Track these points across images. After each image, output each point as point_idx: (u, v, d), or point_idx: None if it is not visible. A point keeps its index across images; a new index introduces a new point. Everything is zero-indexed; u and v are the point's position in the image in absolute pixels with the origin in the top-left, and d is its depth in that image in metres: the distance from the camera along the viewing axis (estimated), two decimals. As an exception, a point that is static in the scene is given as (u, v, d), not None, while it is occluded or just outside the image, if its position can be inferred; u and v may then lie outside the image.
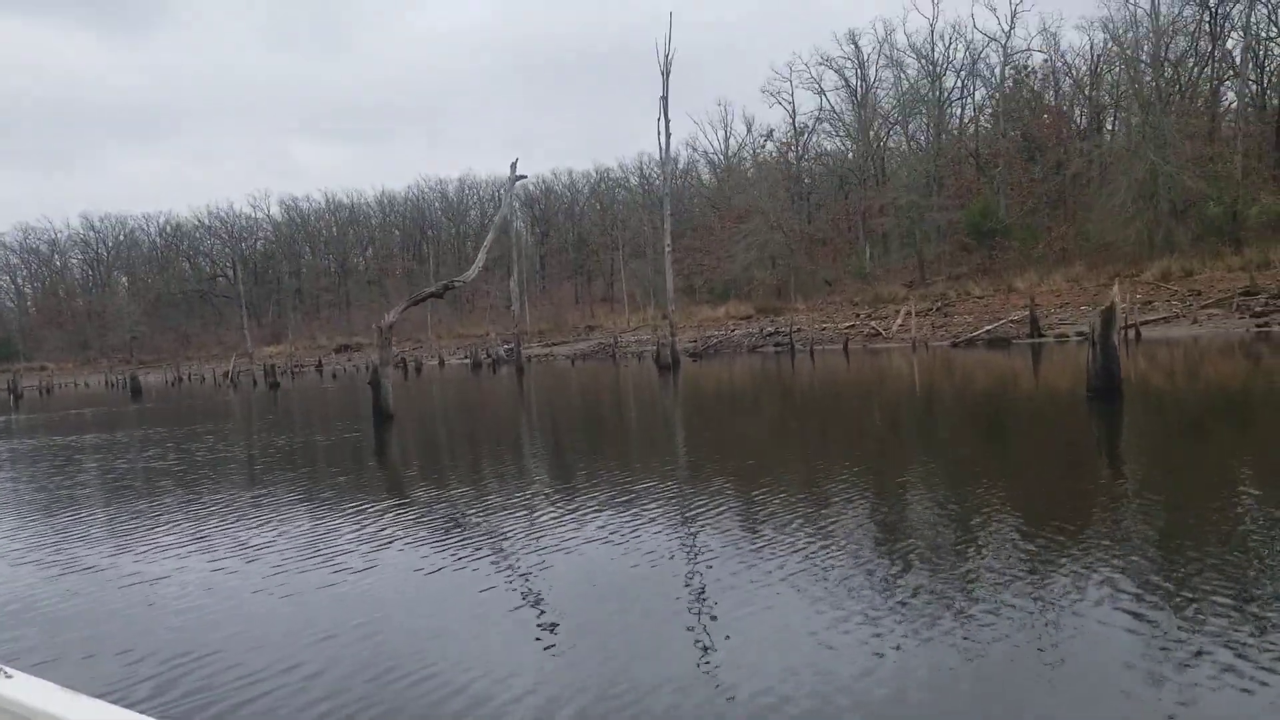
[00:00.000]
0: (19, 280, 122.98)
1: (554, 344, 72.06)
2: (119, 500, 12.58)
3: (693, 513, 8.91)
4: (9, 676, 2.30)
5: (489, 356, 64.16)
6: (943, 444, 13.59)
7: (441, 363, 70.68)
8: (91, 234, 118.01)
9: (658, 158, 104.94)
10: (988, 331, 38.89)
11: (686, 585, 6.35)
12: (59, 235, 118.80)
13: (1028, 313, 38.50)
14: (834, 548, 7.16)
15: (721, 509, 9.04)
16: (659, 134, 38.37)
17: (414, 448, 17.36)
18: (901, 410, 18.85)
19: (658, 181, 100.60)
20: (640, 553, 7.34)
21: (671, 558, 7.15)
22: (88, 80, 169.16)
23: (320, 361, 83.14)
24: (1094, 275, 46.08)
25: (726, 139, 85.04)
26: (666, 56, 37.27)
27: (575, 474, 12.54)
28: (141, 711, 2.16)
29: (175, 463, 16.57)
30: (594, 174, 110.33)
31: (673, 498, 9.80)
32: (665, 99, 38.25)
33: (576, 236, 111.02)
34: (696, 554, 7.21)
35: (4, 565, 8.71)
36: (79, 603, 7.20)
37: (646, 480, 11.11)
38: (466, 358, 74.56)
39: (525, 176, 27.57)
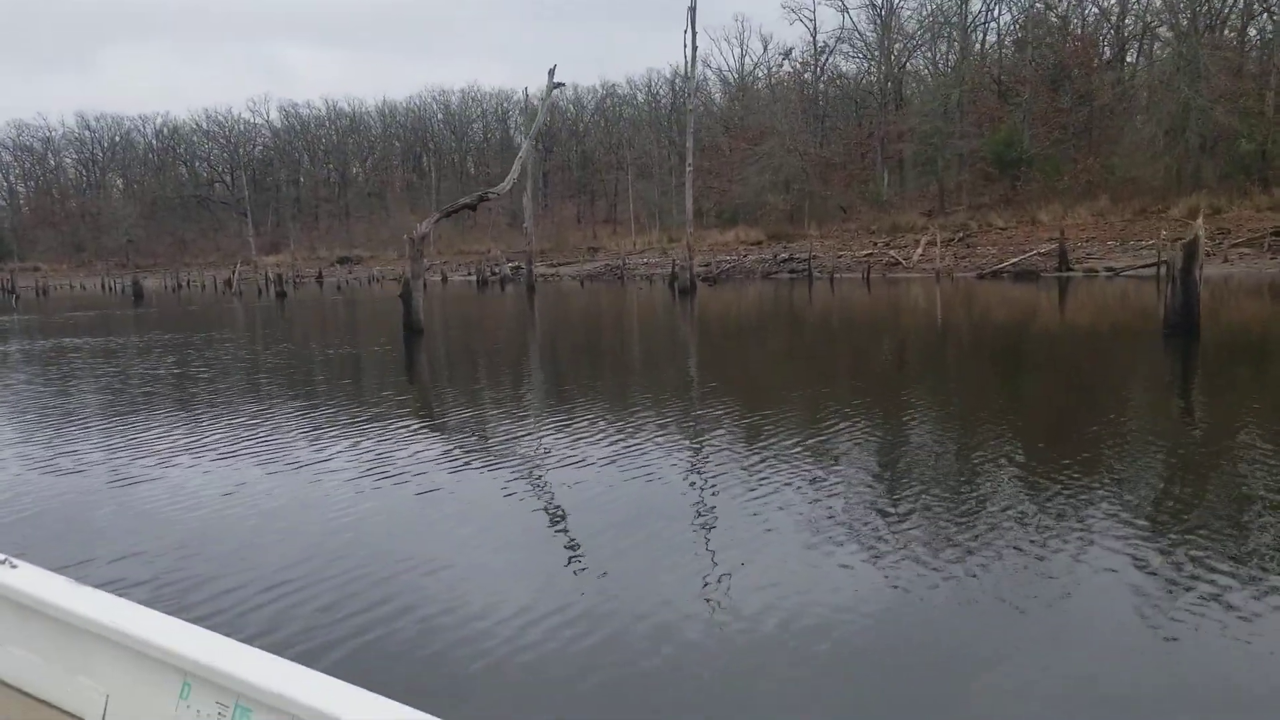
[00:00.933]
0: (11, 178, 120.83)
1: (559, 264, 70.98)
2: (151, 408, 11.89)
3: (720, 441, 8.65)
4: (14, 567, 2.37)
5: (494, 274, 63.19)
6: (1028, 389, 12.93)
7: (444, 279, 69.65)
8: (87, 133, 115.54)
9: (667, 75, 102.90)
10: (1014, 264, 38.06)
11: (698, 513, 6.35)
12: (54, 134, 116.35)
13: (1055, 246, 37.65)
14: (858, 479, 7.06)
15: (750, 438, 8.77)
16: (685, 45, 36.97)
17: (447, 365, 16.68)
18: (949, 346, 18.17)
19: (669, 98, 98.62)
20: (660, 478, 7.31)
21: (690, 484, 7.13)
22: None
23: (320, 273, 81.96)
24: (1120, 210, 45.12)
25: (742, 57, 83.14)
26: (696, -36, 35.74)
27: (607, 398, 11.96)
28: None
29: (203, 370, 15.87)
30: (599, 89, 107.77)
31: (697, 425, 9.53)
32: (693, 9, 36.70)
33: (580, 155, 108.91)
34: (717, 482, 7.12)
35: (47, 475, 8.06)
36: (126, 517, 6.66)
37: (674, 407, 10.74)
38: (470, 274, 73.63)
39: (563, 85, 26.40)
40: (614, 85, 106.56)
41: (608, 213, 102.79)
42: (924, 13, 62.79)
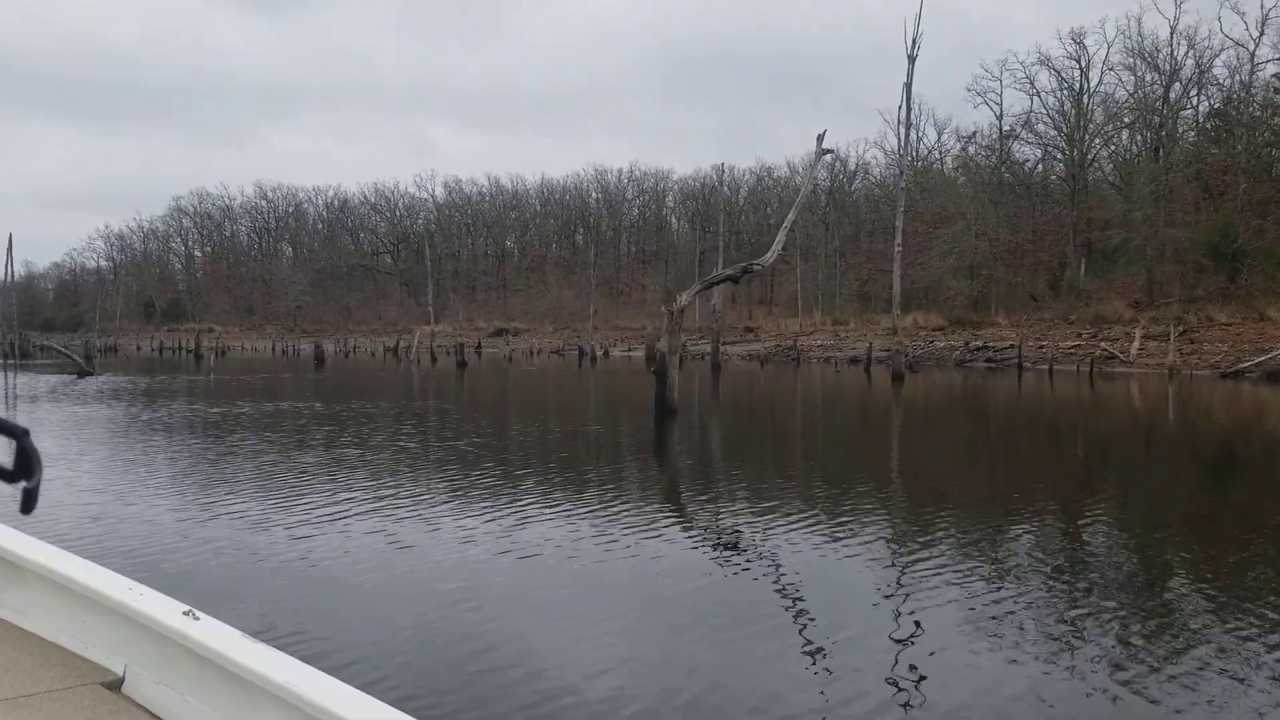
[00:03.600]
0: (190, 243, 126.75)
1: (724, 343, 69.52)
2: (430, 489, 10.51)
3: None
4: (197, 619, 2.47)
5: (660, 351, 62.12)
6: None
7: (606, 354, 68.94)
8: (264, 203, 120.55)
9: (827, 159, 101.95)
10: (1258, 364, 34.63)
11: (902, 614, 5.94)
12: (232, 202, 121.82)
13: (1306, 345, 34.18)
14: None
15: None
16: (899, 122, 35.56)
17: (715, 453, 15.02)
18: (1231, 459, 15.68)
19: (827, 180, 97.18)
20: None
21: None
22: (231, 57, 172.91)
23: (480, 343, 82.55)
24: (1364, 308, 41.13)
25: (918, 140, 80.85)
26: (913, 40, 34.24)
27: (903, 504, 10.03)
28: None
29: (451, 441, 14.62)
30: (756, 170, 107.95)
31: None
32: (909, 85, 35.22)
33: (735, 235, 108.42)
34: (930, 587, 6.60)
35: (342, 542, 6.75)
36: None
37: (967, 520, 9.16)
38: (629, 350, 73.14)
39: (833, 150, 25.15)
40: (769, 168, 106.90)
41: (762, 294, 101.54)
42: (1119, 97, 59.97)
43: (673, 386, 17.96)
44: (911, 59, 34.80)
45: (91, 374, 34.11)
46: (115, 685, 2.63)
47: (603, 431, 17.07)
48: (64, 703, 2.49)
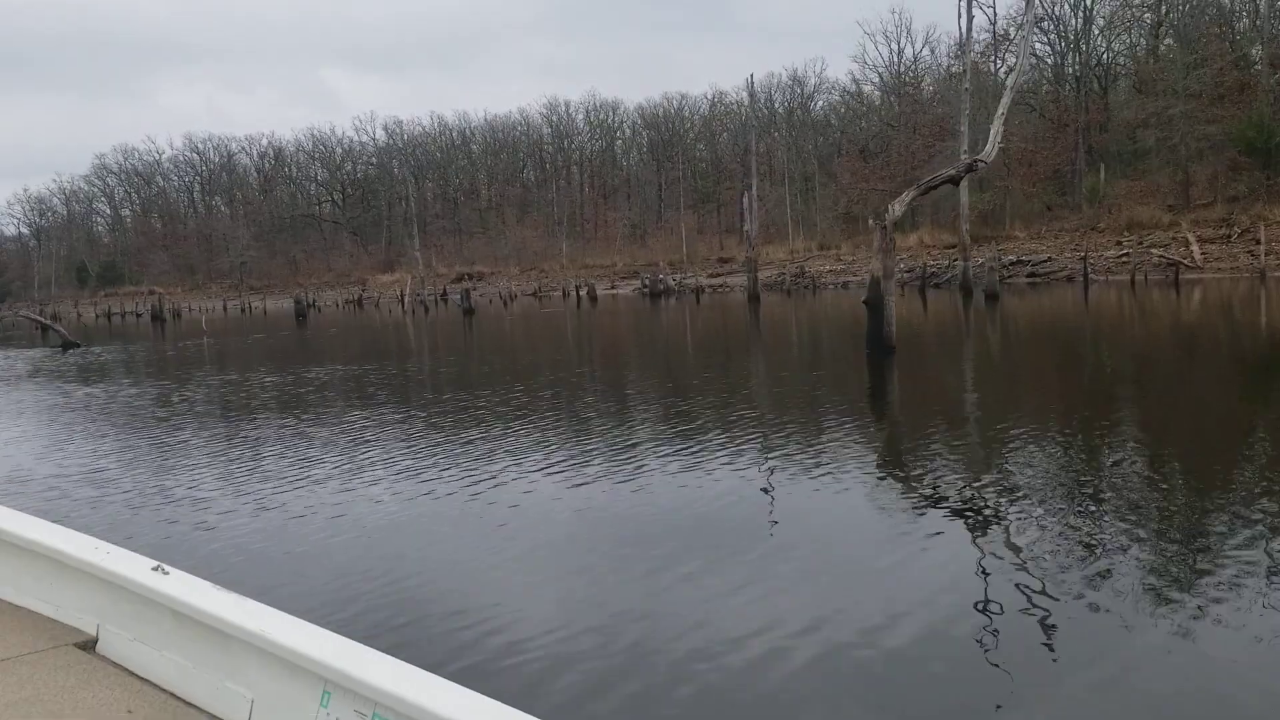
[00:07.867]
0: (117, 202, 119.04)
1: (719, 274, 66.59)
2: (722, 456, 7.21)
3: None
4: (166, 573, 2.42)
5: (661, 286, 58.94)
6: None
7: (594, 296, 65.28)
8: (195, 155, 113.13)
9: (784, 81, 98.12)
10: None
11: None
12: (160, 156, 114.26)
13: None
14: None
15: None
16: (959, 13, 32.08)
17: (966, 404, 11.86)
18: None
19: (784, 104, 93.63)
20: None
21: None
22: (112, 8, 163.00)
23: (445, 290, 78.45)
24: None
25: (900, 53, 77.66)
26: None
27: None
28: None
29: (654, 398, 11.30)
30: (708, 98, 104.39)
31: None
32: (972, -27, 32.06)
33: (693, 164, 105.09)
34: None
35: None
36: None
37: None
38: (612, 288, 70.14)
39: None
40: (722, 93, 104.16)
41: (729, 222, 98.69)
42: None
43: (890, 319, 14.69)
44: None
45: (77, 346, 29.76)
46: (89, 645, 2.59)
47: (824, 375, 13.83)
48: (37, 666, 2.45)
